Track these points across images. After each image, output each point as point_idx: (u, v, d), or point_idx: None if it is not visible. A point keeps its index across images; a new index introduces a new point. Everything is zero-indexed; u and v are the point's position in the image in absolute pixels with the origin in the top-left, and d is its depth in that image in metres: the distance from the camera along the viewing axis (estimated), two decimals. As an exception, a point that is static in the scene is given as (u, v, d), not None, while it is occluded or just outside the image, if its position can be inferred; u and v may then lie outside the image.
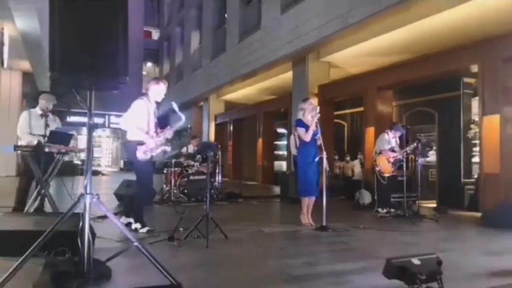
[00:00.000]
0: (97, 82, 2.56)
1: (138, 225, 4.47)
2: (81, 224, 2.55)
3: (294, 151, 6.32)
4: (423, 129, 8.69)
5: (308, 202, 5.31)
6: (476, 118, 7.17)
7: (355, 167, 10.26)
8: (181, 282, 2.52)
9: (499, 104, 5.94)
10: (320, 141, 5.18)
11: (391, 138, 6.61)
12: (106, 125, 23.67)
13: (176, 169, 7.88)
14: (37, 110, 4.99)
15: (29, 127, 4.82)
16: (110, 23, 2.51)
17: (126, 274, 2.99)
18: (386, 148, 6.54)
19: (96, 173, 16.46)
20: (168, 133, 4.58)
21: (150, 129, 4.50)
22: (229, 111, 16.27)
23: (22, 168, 4.93)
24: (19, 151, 4.65)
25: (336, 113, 10.62)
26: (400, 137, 6.75)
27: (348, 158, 10.80)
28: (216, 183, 8.43)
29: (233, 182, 13.06)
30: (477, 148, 7.04)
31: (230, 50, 12.99)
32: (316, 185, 5.23)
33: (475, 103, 7.28)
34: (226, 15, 13.89)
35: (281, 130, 14.25)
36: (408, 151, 6.38)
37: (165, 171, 7.96)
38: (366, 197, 7.29)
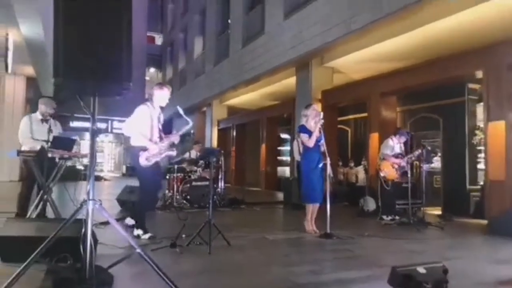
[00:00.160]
0: (100, 88, 2.55)
1: (140, 232, 4.44)
2: (83, 230, 2.53)
3: (297, 157, 6.29)
4: (428, 135, 8.65)
5: (312, 208, 5.27)
6: (481, 124, 7.12)
7: (359, 173, 10.21)
8: (184, 289, 2.49)
9: (504, 110, 5.90)
10: (323, 147, 5.15)
11: (396, 144, 6.57)
12: (109, 130, 23.73)
13: (179, 174, 7.85)
14: (37, 115, 4.98)
15: (31, 132, 4.81)
16: (114, 29, 2.51)
17: (128, 281, 2.96)
18: (389, 154, 6.50)
19: (98, 178, 16.46)
20: (175, 138, 4.57)
21: (153, 134, 4.48)
22: (232, 116, 16.27)
23: (24, 173, 4.91)
24: (22, 156, 4.64)
25: (339, 118, 10.59)
26: (405, 143, 6.71)
27: (352, 164, 10.76)
28: (219, 189, 8.40)
29: (236, 188, 13.03)
30: (482, 155, 6.99)
31: (233, 56, 13.01)
32: (320, 191, 5.19)
33: (480, 109, 7.25)
34: (229, 21, 13.94)
35: (285, 136, 14.22)
36: (413, 158, 6.34)
37: (167, 177, 7.93)
38: (370, 204, 7.24)
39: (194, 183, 7.78)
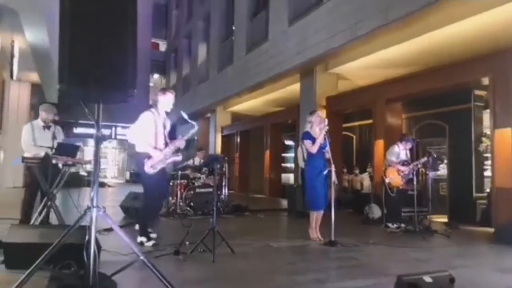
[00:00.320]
0: (105, 95, 2.55)
1: (143, 239, 4.42)
2: (87, 237, 2.51)
3: (302, 163, 6.26)
4: (434, 142, 8.60)
5: (316, 216, 5.23)
6: (487, 131, 7.07)
7: (364, 180, 10.16)
8: (188, 298, 2.46)
9: (510, 117, 5.85)
10: (328, 154, 5.12)
11: (401, 150, 6.54)
12: (113, 136, 23.80)
13: (182, 181, 7.84)
14: (39, 122, 4.99)
15: (33, 139, 4.81)
16: (119, 36, 2.51)
17: (132, 289, 2.93)
18: (395, 160, 6.46)
19: (102, 184, 16.47)
20: (180, 143, 4.55)
21: (157, 141, 4.48)
22: (236, 122, 16.28)
23: (27, 179, 4.91)
24: (26, 163, 4.64)
25: (344, 125, 10.56)
26: (410, 150, 6.67)
27: (357, 171, 10.71)
28: (223, 196, 8.37)
29: (239, 194, 12.99)
30: (489, 162, 6.93)
31: (237, 62, 13.04)
32: (323, 198, 5.16)
33: (486, 116, 7.20)
34: (233, 27, 13.99)
35: (289, 142, 14.20)
36: (419, 166, 6.29)
37: (171, 184, 7.92)
38: (375, 211, 7.18)
39: (197, 190, 7.76)
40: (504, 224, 5.60)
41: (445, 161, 8.16)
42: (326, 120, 5.22)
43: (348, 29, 7.55)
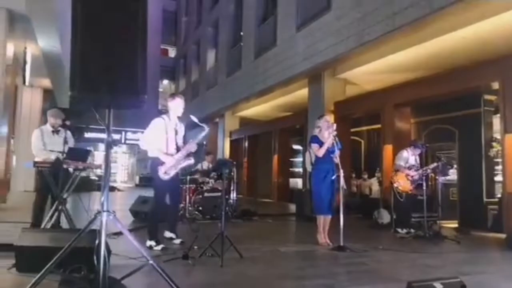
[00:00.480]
0: (116, 101, 2.58)
1: (152, 243, 4.45)
2: (97, 241, 2.54)
3: (309, 168, 6.26)
4: (443, 146, 8.52)
5: (324, 221, 5.21)
6: (498, 135, 6.99)
7: (373, 185, 10.11)
8: (196, 303, 2.47)
9: (521, 122, 5.79)
10: (337, 160, 5.11)
11: (410, 156, 6.49)
12: (122, 141, 24.00)
13: (191, 185, 7.87)
14: (48, 127, 5.07)
15: (43, 144, 4.88)
16: (130, 43, 2.54)
17: (141, 293, 2.95)
18: (403, 165, 6.42)
19: (111, 189, 16.60)
20: (191, 146, 4.60)
21: (168, 147, 4.54)
22: (244, 127, 16.32)
23: (38, 183, 4.98)
24: (38, 167, 4.70)
25: (352, 130, 10.53)
26: (419, 155, 6.62)
27: (365, 176, 10.65)
28: (231, 200, 8.38)
29: (248, 199, 12.99)
30: (499, 167, 6.85)
31: (246, 67, 13.10)
32: (328, 203, 5.13)
33: (496, 121, 7.12)
34: (242, 33, 14.07)
35: (297, 147, 14.18)
36: (428, 171, 6.24)
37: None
38: (384, 216, 7.13)
39: (206, 194, 7.79)
40: (515, 230, 5.52)
41: (455, 166, 8.08)
42: (335, 125, 5.22)
43: (355, 34, 7.55)
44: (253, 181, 15.39)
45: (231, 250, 4.11)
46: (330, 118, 6.00)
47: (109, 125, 2.64)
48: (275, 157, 13.78)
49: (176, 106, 4.66)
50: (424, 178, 6.20)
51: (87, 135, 20.19)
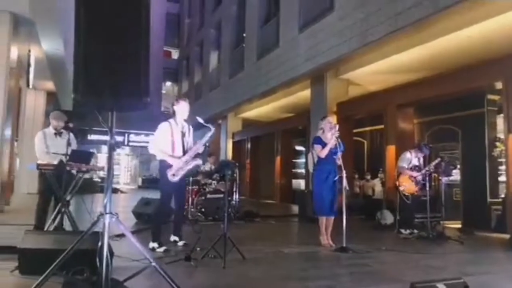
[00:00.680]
0: (119, 103, 2.59)
1: (155, 245, 4.47)
2: (100, 243, 2.55)
3: (311, 169, 6.26)
4: (446, 147, 8.50)
5: (326, 222, 5.21)
6: (501, 135, 6.97)
7: (376, 186, 10.08)
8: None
9: (525, 121, 5.76)
10: (339, 161, 5.11)
11: (414, 158, 6.46)
12: (125, 143, 24.06)
13: (194, 187, 7.88)
14: (51, 130, 5.09)
15: (46, 147, 4.91)
16: (133, 46, 2.55)
17: (144, 295, 2.95)
18: (405, 167, 6.40)
19: (114, 190, 16.63)
20: (198, 147, 4.66)
21: (174, 150, 4.62)
22: (247, 128, 16.32)
23: (41, 186, 5.00)
24: (41, 170, 4.72)
25: (355, 130, 10.51)
26: (424, 157, 6.59)
27: (368, 177, 10.62)
28: (234, 202, 8.38)
29: (250, 200, 12.99)
30: (503, 167, 6.81)
31: (249, 69, 13.11)
32: (329, 204, 5.13)
33: (500, 120, 7.09)
34: (244, 34, 14.09)
35: (299, 148, 14.17)
36: (431, 170, 6.22)
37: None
38: (388, 217, 7.11)
39: (209, 196, 7.79)
40: (520, 230, 5.49)
41: (458, 166, 8.05)
42: (337, 126, 5.22)
43: (358, 35, 7.54)
44: (255, 183, 15.38)
45: (234, 251, 4.11)
46: (333, 119, 6.00)
47: (112, 128, 2.65)
48: (278, 158, 13.78)
49: (181, 109, 4.75)
50: (427, 178, 6.18)
51: (91, 137, 20.25)
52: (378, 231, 6.83)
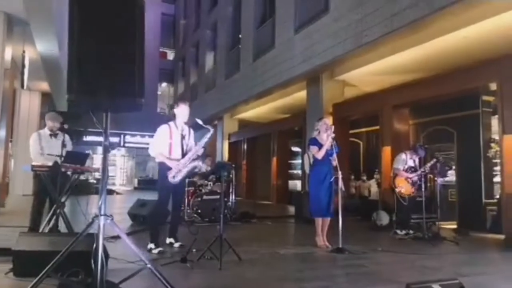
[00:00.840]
0: (113, 104, 2.58)
1: (152, 245, 4.47)
2: (95, 245, 2.53)
3: (308, 170, 6.26)
4: (441, 147, 8.52)
5: (322, 223, 5.21)
6: (496, 136, 7.00)
7: (372, 187, 10.10)
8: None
9: (519, 122, 5.79)
10: (335, 162, 5.11)
11: (409, 159, 6.48)
12: (121, 144, 23.98)
13: (190, 188, 7.86)
14: (46, 131, 5.07)
15: (41, 148, 4.88)
16: (127, 46, 2.54)
17: (139, 297, 2.94)
18: (400, 168, 6.41)
19: (110, 192, 16.58)
20: (197, 149, 4.68)
21: (172, 152, 4.64)
22: (243, 130, 16.31)
23: (36, 187, 4.97)
24: (36, 171, 4.69)
25: (351, 131, 10.53)
26: (420, 159, 6.61)
27: (364, 178, 10.65)
28: (230, 203, 8.37)
29: (246, 201, 12.96)
30: (498, 168, 6.85)
31: (244, 70, 13.11)
32: (326, 205, 5.13)
33: (495, 122, 7.13)
34: (240, 36, 14.09)
35: (296, 149, 14.18)
36: (427, 170, 6.24)
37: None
38: (383, 218, 7.13)
39: (205, 197, 7.77)
40: (514, 231, 5.52)
41: (454, 167, 8.09)
42: (333, 127, 5.23)
43: (354, 36, 7.56)
44: (252, 184, 15.37)
45: (230, 252, 4.10)
46: (329, 121, 6.01)
47: (107, 129, 2.64)
48: (274, 159, 13.78)
49: (181, 112, 4.78)
50: (423, 179, 6.20)
51: (86, 138, 20.17)
52: (374, 232, 6.84)
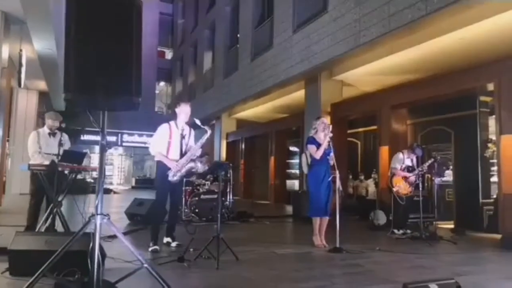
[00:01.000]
0: (110, 103, 2.58)
1: (151, 243, 4.52)
2: (91, 244, 2.53)
3: (306, 169, 6.26)
4: (439, 148, 8.54)
5: (320, 222, 5.22)
6: (493, 137, 7.02)
7: (369, 187, 10.12)
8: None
9: (516, 123, 5.80)
10: (333, 161, 5.12)
11: (406, 158, 6.49)
12: (119, 143, 23.94)
13: (187, 188, 7.85)
14: (45, 130, 5.05)
15: (39, 147, 4.87)
16: (125, 45, 2.53)
17: (136, 297, 2.93)
18: (398, 167, 6.42)
19: (107, 191, 16.54)
20: (195, 150, 4.70)
21: (170, 151, 4.65)
22: (241, 129, 16.31)
23: (33, 186, 4.95)
24: (33, 170, 4.68)
25: (349, 131, 10.54)
26: (417, 158, 6.63)
27: (362, 177, 10.66)
28: (227, 202, 8.36)
29: (244, 201, 12.97)
30: (495, 168, 6.87)
31: (242, 69, 13.10)
32: (325, 204, 5.14)
33: (492, 122, 7.14)
34: (238, 35, 14.08)
35: (294, 149, 14.18)
36: (424, 169, 6.25)
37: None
38: (381, 217, 7.14)
39: (202, 196, 7.77)
40: (511, 230, 5.53)
41: (451, 167, 8.10)
42: (331, 126, 5.23)
43: (352, 36, 7.56)
44: (249, 183, 15.37)
45: (227, 252, 4.10)
46: (327, 120, 6.01)
47: (104, 128, 2.63)
48: (272, 159, 13.78)
49: (182, 112, 4.79)
50: (420, 178, 6.21)
51: (84, 137, 20.11)
52: (372, 232, 6.85)
